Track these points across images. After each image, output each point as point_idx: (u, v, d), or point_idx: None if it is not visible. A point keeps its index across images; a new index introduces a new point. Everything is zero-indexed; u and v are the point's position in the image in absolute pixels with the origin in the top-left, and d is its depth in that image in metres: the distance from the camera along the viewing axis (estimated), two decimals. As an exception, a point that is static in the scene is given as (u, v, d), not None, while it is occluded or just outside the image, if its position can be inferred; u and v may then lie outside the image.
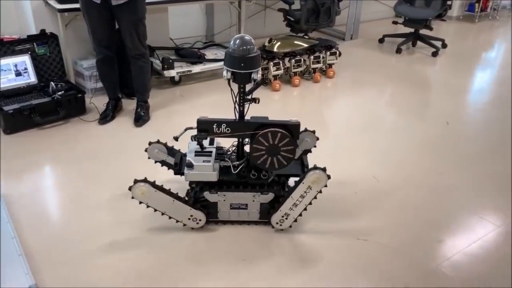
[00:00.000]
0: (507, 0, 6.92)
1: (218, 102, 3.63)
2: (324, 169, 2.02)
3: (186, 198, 2.17)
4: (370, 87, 4.15)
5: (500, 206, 2.49)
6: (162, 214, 2.12)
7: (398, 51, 4.97)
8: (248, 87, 2.03)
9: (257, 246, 2.13)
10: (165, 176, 2.38)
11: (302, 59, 3.98)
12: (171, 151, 2.33)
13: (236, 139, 2.13)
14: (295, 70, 3.96)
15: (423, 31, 5.06)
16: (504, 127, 3.42)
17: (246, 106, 2.06)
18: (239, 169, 2.12)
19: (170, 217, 2.14)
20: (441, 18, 6.30)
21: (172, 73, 3.74)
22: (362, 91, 4.07)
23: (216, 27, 4.93)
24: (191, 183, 2.25)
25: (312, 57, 4.03)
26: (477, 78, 4.47)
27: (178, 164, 2.23)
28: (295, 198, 2.08)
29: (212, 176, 2.06)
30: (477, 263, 2.09)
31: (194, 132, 2.06)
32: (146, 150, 2.32)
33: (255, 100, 2.06)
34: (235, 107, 2.05)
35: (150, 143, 2.29)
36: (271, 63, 3.80)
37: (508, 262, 2.10)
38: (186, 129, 2.10)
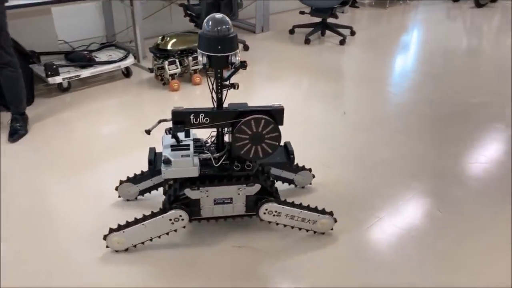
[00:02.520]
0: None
1: (116, 105, 3.42)
2: (331, 214, 2.07)
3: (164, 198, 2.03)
4: (277, 80, 4.06)
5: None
6: (151, 240, 2.00)
7: (307, 41, 4.92)
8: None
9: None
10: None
11: (201, 56, 3.82)
12: (140, 179, 2.23)
13: (215, 130, 1.98)
14: (195, 67, 3.80)
15: (336, 19, 5.04)
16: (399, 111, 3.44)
17: (224, 93, 1.90)
18: (221, 161, 1.96)
19: (157, 237, 2.00)
20: (353, 5, 6.36)
21: (58, 79, 3.45)
22: (271, 84, 3.97)
23: (118, 26, 4.66)
24: (167, 180, 2.07)
25: (211, 53, 3.87)
26: (381, 64, 4.49)
27: (153, 161, 2.04)
28: (298, 214, 2.05)
29: (193, 171, 1.90)
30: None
31: (168, 125, 1.89)
32: (116, 189, 2.28)
33: (234, 86, 1.90)
34: (212, 95, 1.89)
35: (117, 187, 2.27)
36: (166, 62, 3.61)
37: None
38: (159, 122, 1.94)
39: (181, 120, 1.86)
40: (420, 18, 6.32)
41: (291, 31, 5.28)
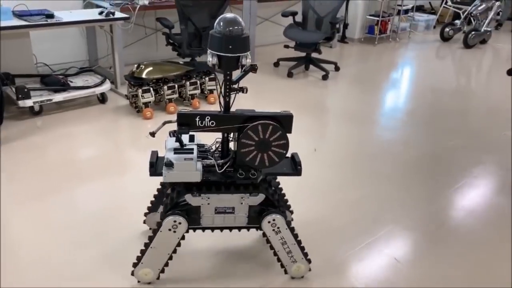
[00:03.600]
0: (406, 23, 7.15)
1: (87, 131, 3.40)
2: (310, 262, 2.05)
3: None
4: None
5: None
6: (171, 258, 1.94)
7: (289, 75, 4.93)
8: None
9: None
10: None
11: (177, 85, 3.80)
12: (156, 204, 2.21)
13: (219, 135, 1.91)
14: (170, 96, 3.77)
15: (320, 55, 5.06)
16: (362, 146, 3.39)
17: (232, 97, 1.84)
18: (224, 168, 1.88)
19: (172, 254, 1.93)
20: (342, 40, 6.41)
21: (28, 102, 3.43)
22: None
23: (101, 51, 4.68)
24: (164, 185, 2.03)
25: (188, 83, 3.86)
26: (363, 101, 4.48)
27: (154, 164, 1.93)
28: (289, 244, 1.99)
29: (195, 175, 1.81)
30: None
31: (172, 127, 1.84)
32: (144, 222, 2.27)
33: (242, 90, 1.83)
34: (219, 97, 1.84)
35: (146, 213, 2.25)
36: (140, 90, 3.59)
37: None
38: (164, 123, 1.87)
39: (187, 122, 1.80)
40: (408, 56, 6.36)
41: (276, 64, 5.29)
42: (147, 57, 4.86)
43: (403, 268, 2.22)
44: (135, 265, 1.94)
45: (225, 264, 2.17)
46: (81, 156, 3.08)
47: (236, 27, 1.70)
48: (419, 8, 7.99)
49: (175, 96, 3.80)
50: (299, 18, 5.17)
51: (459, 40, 6.79)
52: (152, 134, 1.90)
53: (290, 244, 1.99)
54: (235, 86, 1.82)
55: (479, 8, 6.65)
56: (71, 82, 3.78)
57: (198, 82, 3.92)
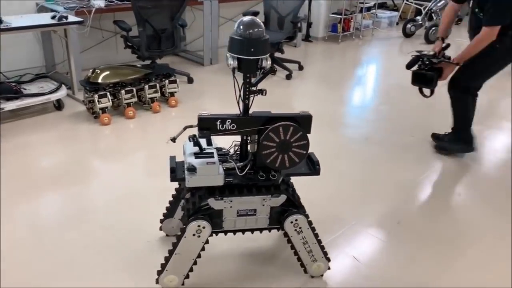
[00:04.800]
0: (368, 20, 7.22)
1: (41, 140, 3.30)
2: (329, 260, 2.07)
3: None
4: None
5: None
6: (195, 263, 1.93)
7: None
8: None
9: None
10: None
11: (135, 89, 3.72)
12: (172, 210, 2.22)
13: (235, 138, 1.92)
14: (128, 101, 3.68)
15: (282, 54, 5.04)
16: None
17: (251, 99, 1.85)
18: (245, 170, 1.88)
19: (196, 259, 1.92)
20: (306, 39, 6.43)
21: (-24, 112, 3.30)
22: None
23: (58, 57, 4.54)
24: (180, 191, 2.07)
25: (147, 86, 3.78)
26: (325, 99, 4.49)
27: (175, 169, 1.91)
28: (311, 244, 2.01)
29: (218, 179, 1.82)
30: None
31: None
32: (160, 229, 2.28)
33: (262, 92, 1.83)
34: (238, 101, 1.83)
35: (162, 220, 2.26)
36: (96, 95, 3.49)
37: None
38: (185, 128, 1.88)
39: (207, 126, 1.80)
40: (372, 53, 6.43)
41: (240, 64, 5.25)
42: (107, 61, 4.75)
43: (361, 266, 2.22)
44: (159, 272, 1.91)
45: (248, 266, 2.18)
46: (37, 165, 2.98)
47: (256, 30, 1.71)
48: (382, 5, 8.09)
49: (134, 100, 3.72)
50: (261, 18, 5.14)
51: (421, 36, 6.88)
52: (173, 139, 1.90)
53: (311, 244, 2.01)
54: (254, 88, 1.83)
55: (439, 4, 6.77)
56: (25, 89, 3.65)
57: (158, 85, 3.85)
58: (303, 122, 1.84)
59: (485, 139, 3.72)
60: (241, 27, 1.71)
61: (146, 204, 2.62)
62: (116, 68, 3.72)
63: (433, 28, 6.71)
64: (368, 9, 7.11)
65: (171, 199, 2.22)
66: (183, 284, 1.97)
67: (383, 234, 2.46)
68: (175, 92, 4.01)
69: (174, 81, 3.97)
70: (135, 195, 2.70)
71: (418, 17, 7.16)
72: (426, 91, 3.16)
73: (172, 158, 1.99)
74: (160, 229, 2.30)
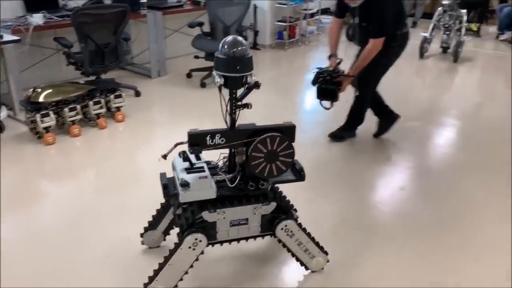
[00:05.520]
0: (313, 26, 7.40)
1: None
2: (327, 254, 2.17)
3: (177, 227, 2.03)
4: (164, 126, 3.98)
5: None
6: (186, 273, 1.95)
7: (203, 85, 4.91)
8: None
9: None
10: None
11: (79, 106, 3.64)
12: (155, 223, 2.24)
13: (222, 151, 1.98)
14: (72, 118, 3.60)
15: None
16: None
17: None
18: (236, 182, 1.95)
19: (187, 271, 1.95)
20: (254, 47, 6.51)
21: None
22: (156, 131, 3.87)
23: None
24: (167, 204, 2.13)
25: (91, 102, 3.71)
26: (276, 105, 4.56)
27: (167, 185, 1.95)
28: (305, 244, 2.09)
29: (211, 192, 1.88)
30: None
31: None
32: (142, 243, 2.27)
33: (247, 106, 1.92)
34: (225, 115, 1.91)
35: (143, 234, 2.26)
36: (38, 115, 3.39)
37: None
38: (176, 145, 1.92)
39: (197, 142, 1.86)
40: (319, 58, 6.56)
41: (189, 75, 5.25)
42: (50, 79, 4.61)
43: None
44: (147, 284, 1.92)
45: (243, 268, 2.22)
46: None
47: (240, 48, 1.81)
48: (325, 11, 8.30)
49: (79, 117, 3.63)
50: (207, 28, 5.17)
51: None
52: (164, 156, 1.93)
53: (305, 243, 2.10)
54: (240, 102, 1.91)
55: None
56: None
57: (103, 100, 3.78)
58: (287, 132, 1.94)
59: (428, 134, 3.90)
60: (226, 46, 1.81)
61: (101, 221, 2.58)
62: (58, 86, 3.63)
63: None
64: (312, 15, 7.29)
65: (155, 212, 2.25)
66: None
67: (347, 232, 2.52)
68: (121, 106, 3.95)
69: (120, 96, 3.92)
70: (88, 214, 2.65)
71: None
72: (326, 103, 3.34)
73: (163, 175, 2.03)
74: (142, 243, 2.31)
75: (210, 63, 5.09)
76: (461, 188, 3.02)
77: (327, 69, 3.28)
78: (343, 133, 3.69)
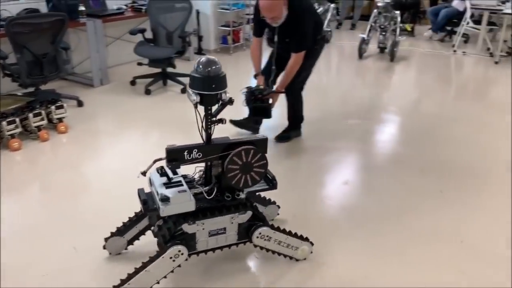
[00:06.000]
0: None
1: None
2: (308, 240, 2.27)
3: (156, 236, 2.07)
4: (110, 136, 3.90)
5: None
6: (158, 283, 1.97)
7: (147, 92, 4.86)
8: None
9: None
10: None
11: (18, 119, 3.50)
12: (125, 229, 2.24)
13: (198, 165, 2.04)
14: (11, 132, 3.46)
15: (174, 69, 5.05)
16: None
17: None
18: (213, 194, 2.04)
19: (158, 282, 1.97)
20: (199, 52, 6.51)
21: None
22: (101, 141, 3.79)
23: None
24: (140, 215, 2.18)
25: (31, 114, 3.58)
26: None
27: (148, 201, 2.01)
28: (284, 240, 2.19)
29: (190, 205, 1.96)
30: None
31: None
32: (104, 247, 2.25)
33: (222, 121, 2.02)
34: (201, 131, 2.00)
35: (105, 242, 2.25)
36: (-29, 131, 3.24)
37: None
38: (154, 161, 1.98)
39: (175, 157, 1.92)
40: (263, 61, 6.67)
41: (133, 83, 5.18)
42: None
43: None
44: (119, 285, 1.91)
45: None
46: None
47: (214, 67, 1.90)
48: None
49: (18, 130, 3.50)
50: (149, 34, 5.13)
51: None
52: (143, 173, 1.98)
53: (285, 240, 2.20)
54: (215, 118, 2.00)
55: (318, 11, 7.25)
56: None
57: (44, 112, 3.66)
58: (260, 144, 2.05)
59: (369, 131, 4.07)
60: (201, 66, 1.89)
61: (49, 234, 2.52)
62: (-7, 100, 3.48)
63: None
64: (255, 19, 7.39)
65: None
66: None
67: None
68: (64, 117, 3.85)
69: (61, 106, 3.81)
70: (36, 227, 2.58)
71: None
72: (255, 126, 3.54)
73: (141, 190, 2.09)
74: (104, 247, 2.28)
75: (154, 70, 5.09)
76: (401, 180, 3.19)
77: (257, 88, 3.38)
78: (290, 134, 3.78)
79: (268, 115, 3.38)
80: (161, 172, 2.01)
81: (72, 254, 2.35)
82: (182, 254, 1.97)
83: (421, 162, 3.45)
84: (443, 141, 3.83)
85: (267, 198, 2.54)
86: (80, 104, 4.47)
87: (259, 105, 3.34)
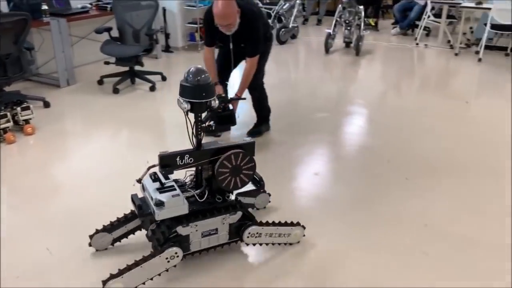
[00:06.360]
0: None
1: None
2: (299, 224, 2.37)
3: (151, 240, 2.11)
4: (78, 136, 3.86)
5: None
6: (151, 279, 2.02)
7: (115, 91, 4.81)
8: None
9: None
10: None
11: (-18, 122, 3.44)
12: (114, 227, 2.26)
13: (190, 170, 2.13)
14: (-24, 135, 3.39)
15: (142, 67, 5.02)
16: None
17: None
18: (205, 197, 2.13)
19: (150, 279, 2.02)
20: (167, 50, 6.49)
21: None
22: (70, 142, 3.75)
23: None
24: (145, 222, 2.20)
25: (-4, 117, 3.52)
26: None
27: (142, 206, 2.09)
28: (275, 231, 2.29)
29: (183, 209, 2.04)
30: None
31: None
32: (90, 245, 2.26)
33: (210, 127, 2.20)
34: (191, 137, 2.08)
35: (91, 236, 2.25)
36: None
37: None
38: (149, 168, 2.08)
39: (168, 163, 2.00)
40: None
41: (100, 82, 5.12)
42: None
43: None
44: (112, 276, 1.93)
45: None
46: None
47: (203, 76, 2.00)
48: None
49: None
50: (115, 33, 5.08)
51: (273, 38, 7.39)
52: (139, 180, 2.09)
53: (275, 230, 2.30)
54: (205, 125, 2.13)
55: (284, 7, 7.34)
56: None
57: (9, 114, 3.59)
58: (248, 148, 2.15)
59: (337, 123, 4.18)
60: (190, 76, 1.98)
61: (19, 237, 2.48)
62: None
63: (283, 30, 7.26)
64: (222, 16, 7.40)
65: (115, 218, 2.29)
66: None
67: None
68: (30, 119, 3.78)
69: (28, 108, 3.75)
70: (3, 232, 2.53)
71: (268, 20, 7.66)
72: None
73: (135, 196, 2.18)
74: (90, 245, 2.29)
75: (122, 69, 5.05)
76: (368, 170, 3.30)
77: (220, 96, 3.40)
78: (260, 128, 3.84)
79: (234, 122, 3.41)
80: (154, 177, 2.09)
81: (45, 255, 2.34)
82: (177, 256, 2.05)
83: (387, 152, 3.57)
84: (409, 131, 3.97)
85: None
86: (46, 105, 4.39)
87: (223, 114, 3.36)
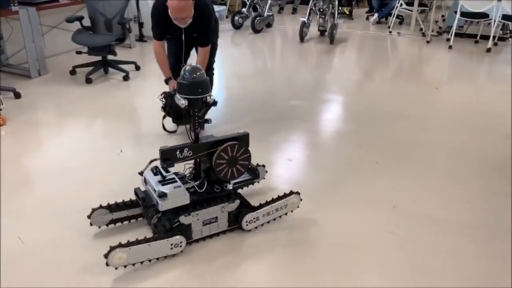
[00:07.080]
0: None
1: None
2: (294, 192, 2.48)
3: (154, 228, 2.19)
4: (51, 127, 3.82)
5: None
6: (141, 263, 2.10)
7: (88, 81, 4.76)
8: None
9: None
10: None
11: (-49, 113, 3.37)
12: (115, 207, 2.33)
13: (188, 162, 2.26)
14: None
15: (115, 56, 4.96)
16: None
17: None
18: (205, 187, 2.24)
19: (149, 260, 2.12)
20: (140, 39, 6.41)
21: None
22: (43, 133, 3.71)
23: None
24: (147, 212, 2.31)
25: (-35, 108, 3.46)
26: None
27: (146, 198, 2.24)
28: (271, 209, 2.41)
29: (185, 199, 2.17)
30: None
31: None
32: (91, 224, 2.31)
33: (207, 121, 2.29)
34: (189, 131, 2.22)
35: (92, 212, 2.29)
36: None
37: None
38: (151, 162, 2.21)
39: (168, 157, 2.12)
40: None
41: (72, 72, 5.04)
42: None
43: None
44: (118, 246, 2.00)
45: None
46: None
47: (199, 73, 2.14)
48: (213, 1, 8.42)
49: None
50: (87, 22, 5.00)
51: (249, 26, 7.39)
52: (141, 173, 2.24)
53: (271, 207, 2.42)
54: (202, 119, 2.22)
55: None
56: None
57: (-22, 105, 3.53)
58: (243, 140, 2.27)
59: (312, 111, 4.23)
60: (187, 73, 2.13)
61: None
62: None
63: (258, 18, 7.26)
64: (197, 5, 7.34)
65: (120, 201, 2.38)
66: (125, 267, 2.08)
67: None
68: (0, 109, 3.72)
69: (-3, 99, 3.69)
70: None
71: (244, 9, 7.66)
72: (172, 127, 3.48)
73: (138, 189, 2.33)
74: (91, 224, 2.33)
75: (94, 58, 4.99)
76: (340, 155, 3.37)
77: (175, 91, 3.36)
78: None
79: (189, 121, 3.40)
80: (155, 171, 2.23)
81: (18, 243, 2.33)
82: (180, 245, 2.17)
83: (359, 137, 3.65)
84: (381, 117, 4.05)
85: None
86: (17, 96, 4.31)
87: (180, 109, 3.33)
